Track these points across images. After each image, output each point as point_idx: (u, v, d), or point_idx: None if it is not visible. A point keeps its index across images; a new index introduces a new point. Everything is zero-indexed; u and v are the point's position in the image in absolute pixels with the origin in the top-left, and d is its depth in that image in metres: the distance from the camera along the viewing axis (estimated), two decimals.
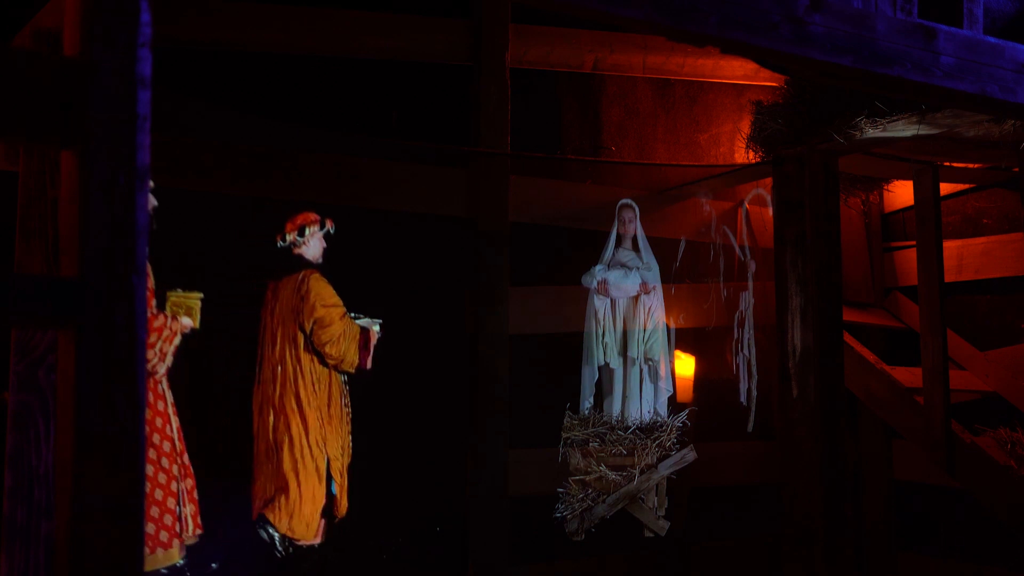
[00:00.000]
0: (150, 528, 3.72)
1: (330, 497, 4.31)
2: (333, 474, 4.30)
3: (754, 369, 5.79)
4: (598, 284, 5.44)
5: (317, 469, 4.26)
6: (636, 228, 5.54)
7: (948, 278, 5.54)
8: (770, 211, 5.10)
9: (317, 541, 4.29)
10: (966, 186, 6.06)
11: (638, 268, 5.48)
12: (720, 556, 5.68)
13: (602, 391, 5.45)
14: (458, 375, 4.98)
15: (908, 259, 6.20)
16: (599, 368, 5.42)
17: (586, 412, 5.36)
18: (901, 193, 6.30)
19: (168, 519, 3.78)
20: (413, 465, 4.83)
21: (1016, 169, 5.05)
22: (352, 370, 4.41)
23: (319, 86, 5.09)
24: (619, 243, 5.55)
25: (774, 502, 4.98)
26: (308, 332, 4.33)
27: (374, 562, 4.62)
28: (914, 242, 5.55)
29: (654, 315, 5.46)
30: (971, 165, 5.50)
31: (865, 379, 5.69)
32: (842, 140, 4.43)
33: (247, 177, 4.59)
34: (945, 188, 5.63)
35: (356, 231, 4.71)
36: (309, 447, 4.25)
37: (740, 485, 5.80)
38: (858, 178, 5.96)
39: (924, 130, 4.27)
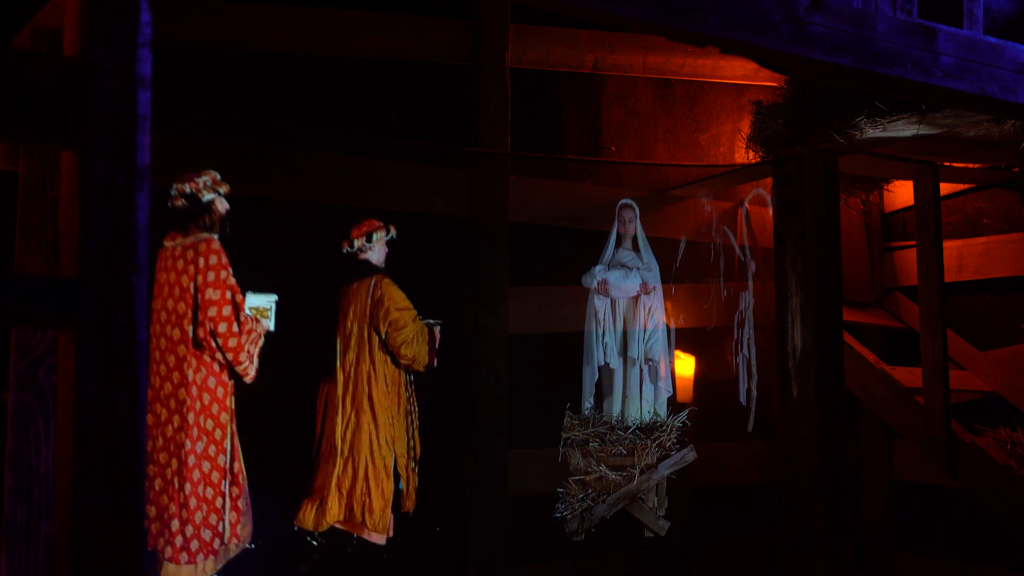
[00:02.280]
0: (206, 535, 3.73)
1: (397, 492, 4.44)
2: (400, 471, 4.43)
3: (754, 369, 5.79)
4: (598, 284, 5.43)
5: (386, 466, 4.39)
6: (636, 228, 5.53)
7: (948, 278, 5.53)
8: (770, 211, 5.10)
9: (387, 536, 4.43)
10: (966, 186, 6.06)
11: (638, 268, 5.48)
12: (720, 556, 5.67)
13: (602, 391, 5.45)
14: (458, 375, 4.98)
15: (908, 259, 6.20)
16: (599, 368, 5.42)
17: (586, 412, 5.35)
18: (901, 193, 6.30)
19: (221, 525, 3.81)
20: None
21: (1016, 169, 5.04)
22: (423, 369, 4.53)
23: (319, 86, 5.09)
24: (619, 243, 5.54)
25: (774, 502, 4.98)
26: (383, 335, 4.42)
27: (374, 561, 4.62)
28: (914, 242, 5.55)
29: (654, 315, 5.46)
30: (971, 165, 5.50)
31: (865, 379, 5.68)
32: (842, 140, 4.42)
33: (247, 177, 4.58)
34: (945, 188, 5.62)
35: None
36: (379, 445, 4.37)
37: (740, 485, 5.79)
38: (858, 178, 5.96)
39: (924, 130, 4.27)
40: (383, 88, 5.28)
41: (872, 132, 4.31)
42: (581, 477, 5.18)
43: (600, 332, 5.42)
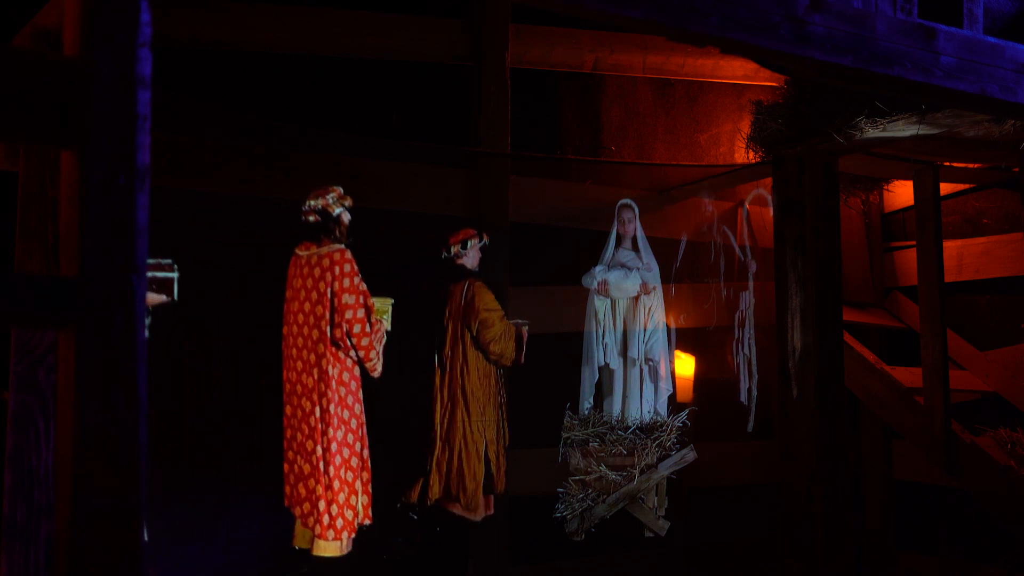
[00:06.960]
0: (348, 514, 4.17)
1: (488, 475, 4.78)
2: (490, 456, 4.77)
3: (754, 369, 5.79)
4: (598, 284, 5.43)
5: (477, 451, 4.75)
6: (636, 228, 5.53)
7: (948, 278, 5.53)
8: (770, 211, 5.10)
9: (488, 513, 4.80)
10: (966, 186, 6.06)
11: (638, 268, 5.47)
12: (720, 556, 5.67)
13: (602, 391, 5.44)
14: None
15: (908, 259, 6.20)
16: (599, 368, 5.41)
17: (586, 412, 5.35)
18: (901, 193, 6.30)
19: (359, 506, 4.23)
20: (413, 465, 4.83)
21: (1016, 169, 5.05)
22: (510, 364, 4.86)
23: (319, 86, 5.09)
24: (619, 243, 5.54)
25: (774, 502, 4.98)
26: (474, 332, 4.78)
27: (374, 562, 4.62)
28: (914, 242, 5.55)
29: (654, 315, 5.46)
30: (971, 165, 5.50)
31: (865, 379, 5.68)
32: (842, 140, 4.42)
33: (247, 177, 4.58)
34: (945, 188, 5.62)
35: (356, 231, 4.71)
36: (472, 432, 4.75)
37: (740, 485, 5.79)
38: (858, 178, 5.97)
39: (924, 130, 4.27)
40: (383, 88, 5.28)
41: (872, 132, 4.31)
42: (581, 477, 5.18)
43: (600, 332, 5.42)
